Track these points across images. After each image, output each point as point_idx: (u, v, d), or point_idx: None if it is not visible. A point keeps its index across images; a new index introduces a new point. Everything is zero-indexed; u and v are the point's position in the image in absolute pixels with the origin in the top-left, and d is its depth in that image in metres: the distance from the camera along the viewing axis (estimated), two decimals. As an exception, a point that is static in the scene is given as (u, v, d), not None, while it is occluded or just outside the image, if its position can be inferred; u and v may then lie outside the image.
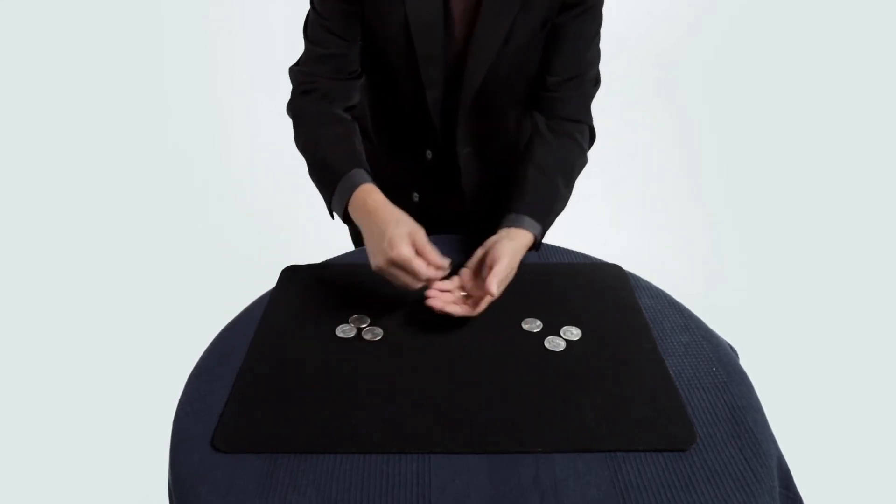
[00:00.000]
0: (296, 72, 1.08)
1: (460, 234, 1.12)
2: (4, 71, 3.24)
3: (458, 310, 0.90)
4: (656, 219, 2.69)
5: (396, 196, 1.00)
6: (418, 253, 0.88)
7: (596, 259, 1.11)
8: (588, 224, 2.63)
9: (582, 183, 1.12)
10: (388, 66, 1.05)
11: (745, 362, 0.93)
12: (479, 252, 0.95)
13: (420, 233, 0.90)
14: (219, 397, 0.81)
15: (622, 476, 0.71)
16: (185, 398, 0.83)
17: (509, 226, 0.98)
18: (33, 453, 1.73)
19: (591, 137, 1.13)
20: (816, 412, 1.85)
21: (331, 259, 1.12)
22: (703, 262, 2.44)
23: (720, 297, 2.19)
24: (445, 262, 0.90)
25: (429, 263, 0.88)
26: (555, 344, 0.89)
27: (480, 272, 0.94)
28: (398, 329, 0.92)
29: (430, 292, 0.90)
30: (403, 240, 0.87)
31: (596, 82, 1.11)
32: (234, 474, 0.71)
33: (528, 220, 0.98)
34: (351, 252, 1.15)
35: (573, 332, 0.91)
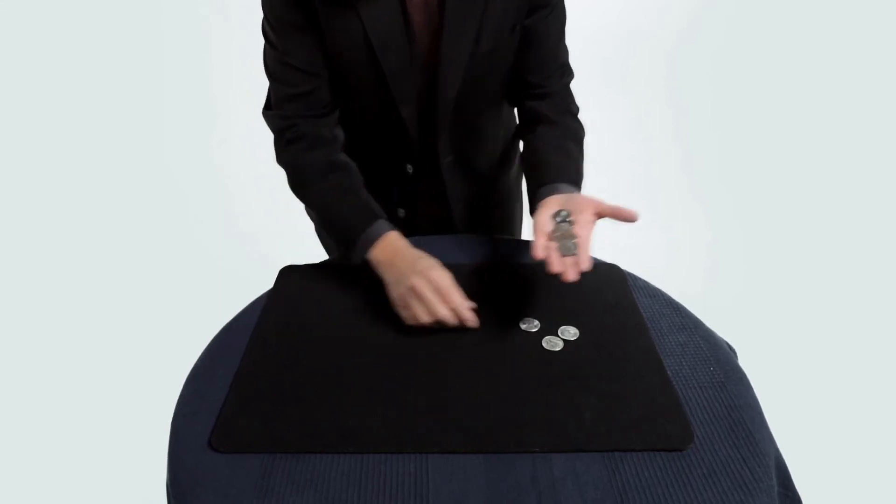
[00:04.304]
0: (272, 117, 1.04)
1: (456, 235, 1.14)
2: None
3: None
4: (654, 218, 2.68)
5: None
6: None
7: (594, 259, 1.11)
8: (587, 223, 2.63)
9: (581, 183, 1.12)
10: (356, 88, 1.03)
11: (743, 361, 0.93)
12: (545, 217, 0.91)
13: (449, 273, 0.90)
14: (217, 398, 0.81)
15: (620, 476, 0.71)
16: (183, 399, 0.83)
17: (550, 195, 0.97)
18: (33, 454, 1.73)
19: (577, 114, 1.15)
20: (816, 412, 1.85)
21: (329, 259, 1.12)
22: (702, 262, 2.44)
23: (718, 297, 2.19)
24: (470, 304, 0.89)
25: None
26: (552, 344, 0.89)
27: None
28: (395, 329, 0.92)
29: (555, 267, 0.84)
30: (440, 267, 0.89)
31: (570, 72, 1.12)
32: (231, 474, 0.71)
33: (563, 185, 0.98)
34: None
35: (571, 332, 0.91)
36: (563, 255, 0.85)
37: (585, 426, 0.76)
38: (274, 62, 1.00)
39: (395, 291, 0.91)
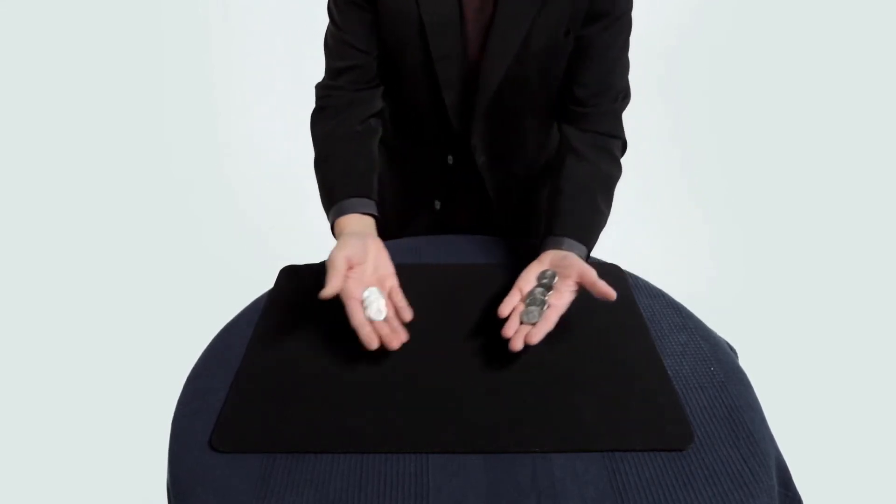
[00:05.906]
0: (317, 88, 1.08)
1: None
2: None
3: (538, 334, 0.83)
4: (655, 218, 2.69)
5: (418, 205, 0.98)
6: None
7: (594, 259, 1.11)
8: (588, 223, 2.63)
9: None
10: (404, 69, 1.05)
11: (744, 361, 0.93)
12: (531, 274, 0.90)
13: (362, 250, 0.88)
14: (217, 397, 0.81)
15: (620, 476, 0.71)
16: (184, 398, 0.83)
17: (551, 248, 0.94)
18: (34, 454, 1.73)
19: (623, 149, 1.09)
20: (816, 412, 1.85)
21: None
22: (702, 262, 2.44)
23: (719, 297, 2.19)
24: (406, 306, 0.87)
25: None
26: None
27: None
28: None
29: (507, 332, 0.82)
30: (339, 257, 0.85)
31: (625, 96, 1.07)
32: (231, 474, 0.71)
33: (568, 241, 0.95)
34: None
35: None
36: (522, 322, 0.84)
37: (585, 426, 0.76)
38: (333, 39, 1.04)
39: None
